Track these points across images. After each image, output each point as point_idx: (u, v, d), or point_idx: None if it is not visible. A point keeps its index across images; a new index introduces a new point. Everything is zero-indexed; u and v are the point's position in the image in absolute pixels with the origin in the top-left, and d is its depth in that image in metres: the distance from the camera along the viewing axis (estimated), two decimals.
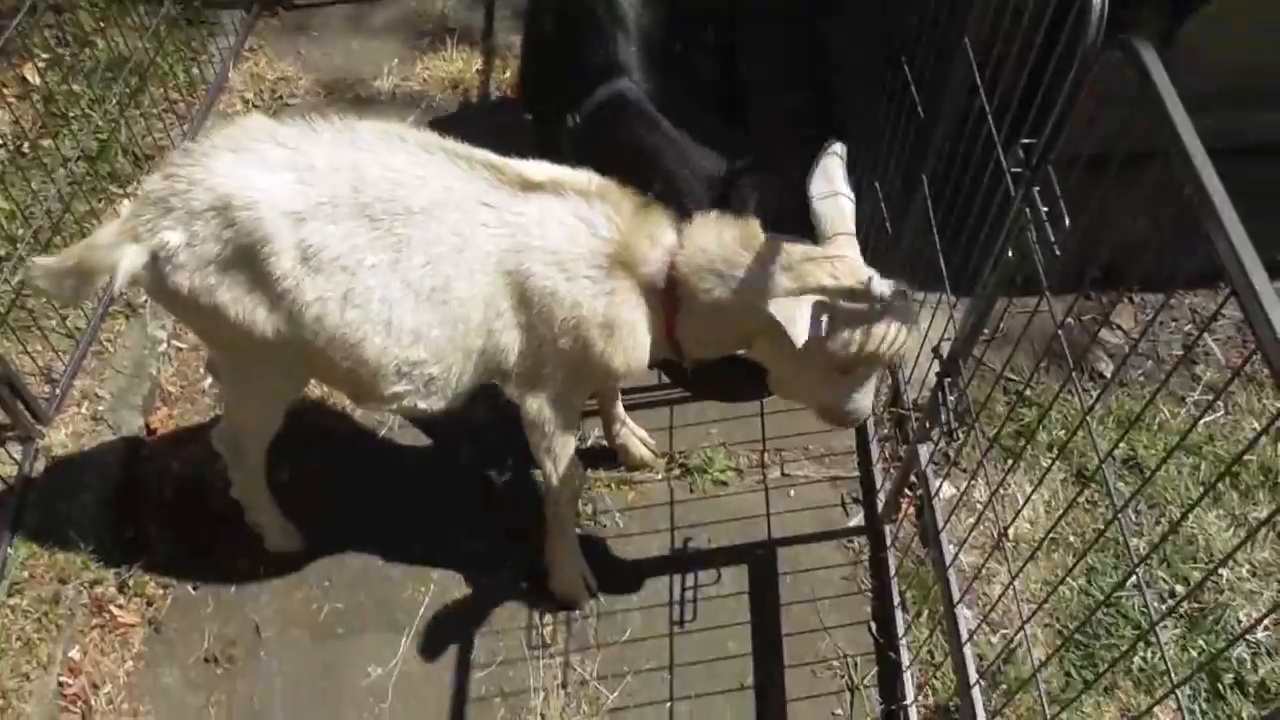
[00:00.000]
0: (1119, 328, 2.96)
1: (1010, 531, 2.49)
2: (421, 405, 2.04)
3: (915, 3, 2.27)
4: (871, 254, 2.68)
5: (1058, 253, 1.60)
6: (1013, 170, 1.73)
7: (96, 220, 3.07)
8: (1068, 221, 1.58)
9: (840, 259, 1.92)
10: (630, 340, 1.99)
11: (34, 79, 3.44)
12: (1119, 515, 1.43)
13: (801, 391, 2.10)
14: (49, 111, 3.34)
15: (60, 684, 2.30)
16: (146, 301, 2.95)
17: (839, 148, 2.03)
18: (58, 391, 2.70)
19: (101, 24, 3.58)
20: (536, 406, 2.11)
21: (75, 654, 2.35)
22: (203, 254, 1.85)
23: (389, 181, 1.86)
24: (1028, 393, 2.79)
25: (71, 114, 3.34)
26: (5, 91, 3.40)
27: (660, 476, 2.67)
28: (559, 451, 2.19)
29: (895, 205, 2.52)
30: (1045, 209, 1.63)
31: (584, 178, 1.99)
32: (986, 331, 2.11)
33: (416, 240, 1.88)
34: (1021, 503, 2.44)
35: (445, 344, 1.96)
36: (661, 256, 1.96)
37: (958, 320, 2.11)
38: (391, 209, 1.86)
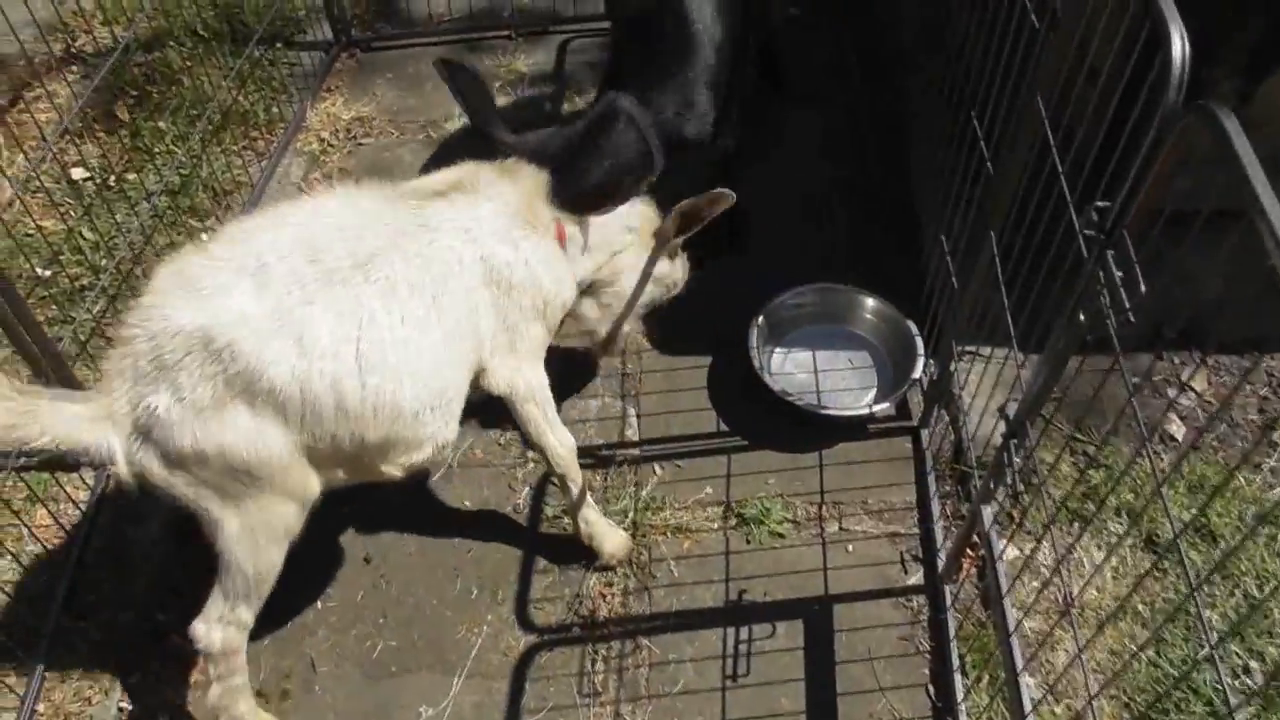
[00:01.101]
0: (1193, 390, 2.88)
1: (1076, 598, 2.43)
2: (446, 435, 2.09)
3: (985, 58, 2.26)
4: (936, 306, 2.68)
5: (1132, 319, 1.56)
6: (1086, 232, 1.69)
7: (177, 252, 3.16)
8: (1143, 287, 1.54)
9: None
10: (564, 270, 2.27)
11: (123, 115, 3.58)
12: (1195, 592, 1.39)
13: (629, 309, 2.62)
14: (135, 147, 3.47)
15: (120, 709, 2.34)
16: None
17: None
18: None
19: (188, 63, 3.71)
20: (522, 378, 2.22)
21: (135, 680, 2.39)
22: (196, 402, 1.75)
23: (338, 238, 1.87)
24: (1094, 454, 2.72)
25: (156, 149, 3.46)
26: (96, 127, 3.54)
27: (716, 526, 2.65)
28: (553, 415, 2.33)
29: (959, 258, 2.49)
30: (1120, 273, 1.59)
31: (468, 168, 2.20)
32: (1055, 392, 2.07)
33: (390, 279, 1.90)
34: (1089, 569, 2.38)
35: (455, 354, 2.03)
36: (548, 213, 2.24)
37: (1025, 379, 2.07)
38: (354, 262, 1.86)
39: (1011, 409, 2.04)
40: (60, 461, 2.67)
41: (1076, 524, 2.53)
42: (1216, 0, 2.55)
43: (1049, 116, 1.95)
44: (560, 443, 2.35)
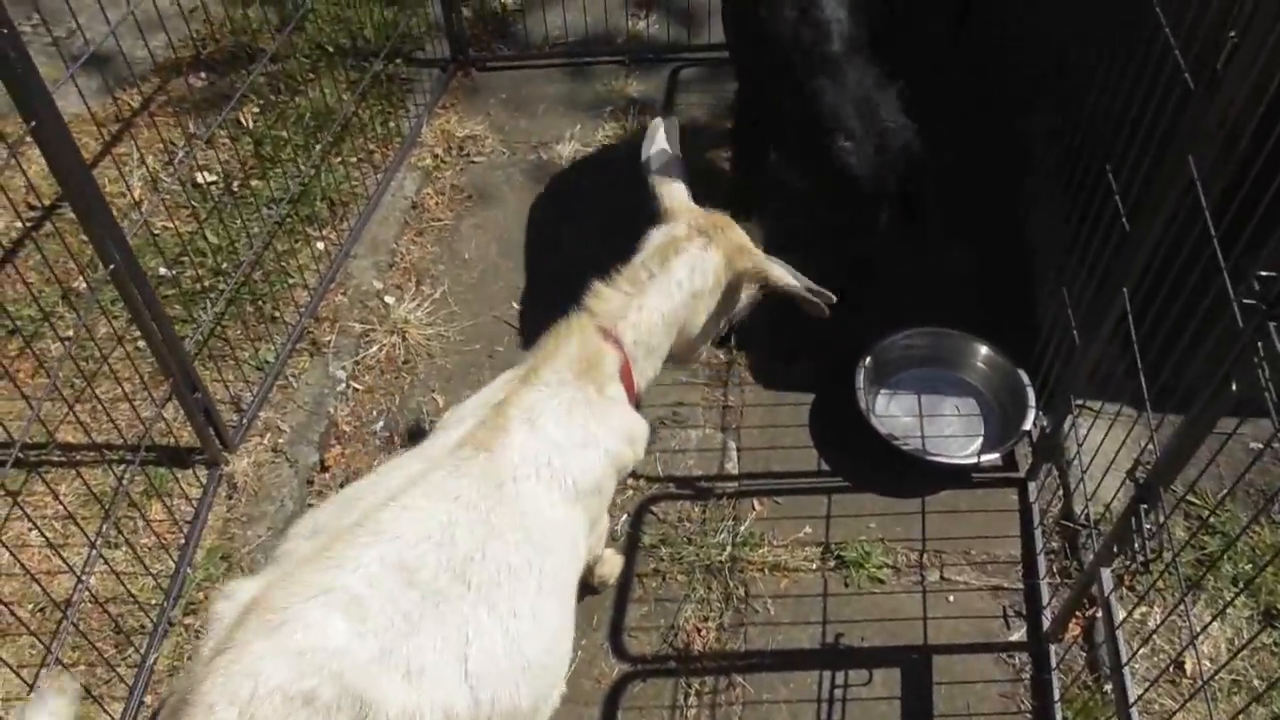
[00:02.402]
0: None
1: (1188, 668, 2.36)
2: (558, 697, 1.92)
3: (1125, 111, 2.22)
4: (1052, 359, 2.63)
5: None
6: (1245, 301, 1.65)
7: (294, 259, 3.25)
8: None
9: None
10: (637, 420, 2.02)
11: (248, 122, 3.69)
12: None
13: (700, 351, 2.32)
14: (258, 154, 3.57)
15: None
16: (330, 341, 3.10)
17: (672, 120, 2.22)
18: (244, 421, 2.85)
19: (311, 75, 3.81)
20: (596, 540, 2.16)
21: None
22: None
23: (429, 548, 1.60)
24: (1213, 520, 2.64)
25: (279, 157, 3.55)
26: (221, 133, 3.65)
27: (814, 566, 2.62)
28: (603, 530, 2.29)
29: (1082, 312, 2.45)
30: None
31: (511, 380, 1.91)
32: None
33: (493, 576, 1.64)
34: (1204, 641, 2.31)
35: (565, 610, 1.81)
36: (614, 360, 1.98)
37: (1156, 443, 2.02)
38: (452, 574, 1.60)
39: (1143, 473, 1.99)
40: (178, 458, 2.76)
41: (1195, 592, 2.45)
42: None
43: (1201, 178, 1.92)
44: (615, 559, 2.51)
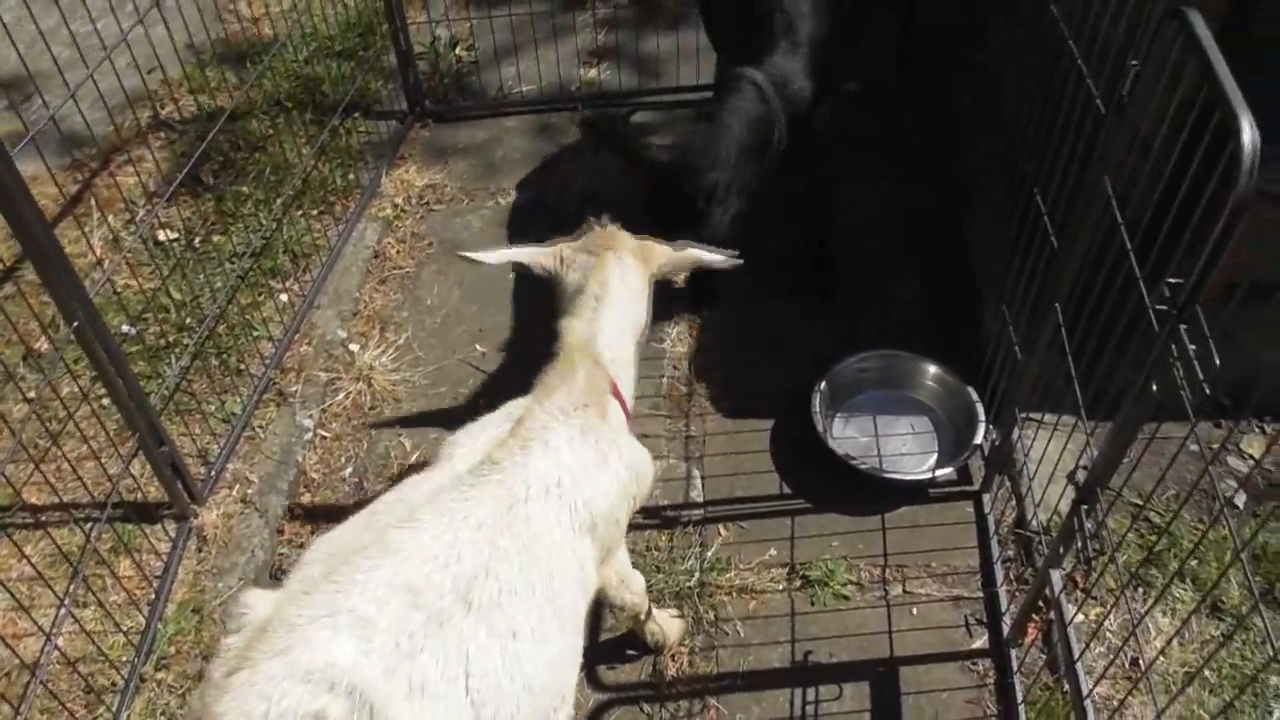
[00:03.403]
0: (1250, 457, 2.90)
1: (1142, 663, 2.44)
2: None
3: (1048, 138, 2.34)
4: (998, 375, 2.73)
5: (1208, 392, 1.62)
6: (1158, 308, 1.76)
7: (258, 311, 3.30)
8: (1218, 361, 1.60)
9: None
10: (640, 456, 2.04)
11: (207, 180, 3.75)
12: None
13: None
14: (219, 210, 3.63)
15: None
16: (297, 390, 3.14)
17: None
18: (212, 474, 2.89)
19: (271, 131, 3.89)
20: (612, 573, 2.16)
21: None
22: None
23: (435, 568, 1.62)
24: (1158, 520, 2.75)
25: (239, 213, 3.62)
26: (181, 191, 3.71)
27: (781, 587, 2.69)
28: (638, 584, 2.31)
29: (1022, 329, 2.56)
30: (1193, 347, 1.65)
31: (527, 404, 1.93)
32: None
33: (495, 597, 1.65)
34: (1155, 634, 2.40)
35: (571, 639, 1.82)
36: (606, 382, 2.02)
37: (1093, 447, 2.12)
38: (456, 594, 1.62)
39: (1081, 476, 2.09)
40: (146, 513, 2.78)
41: (1144, 590, 2.54)
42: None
43: (1116, 195, 2.03)
44: (637, 593, 2.33)
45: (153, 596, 2.64)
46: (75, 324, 2.26)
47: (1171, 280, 1.75)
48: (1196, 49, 1.70)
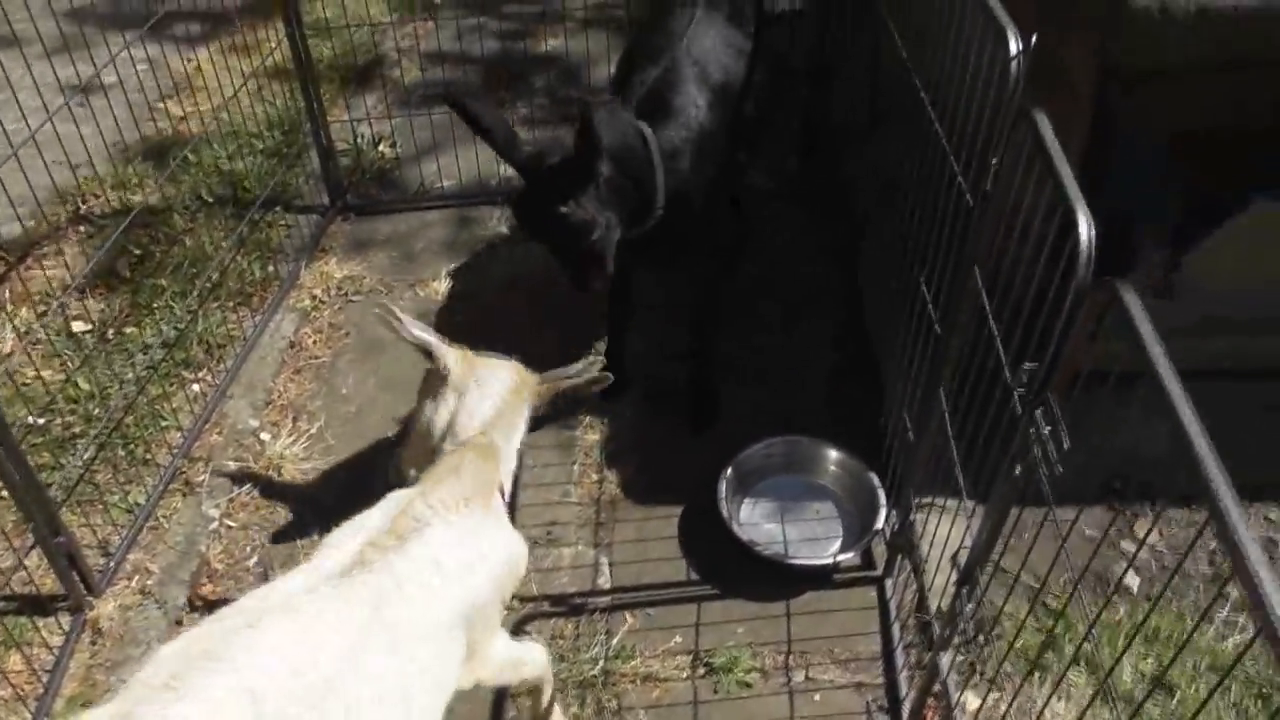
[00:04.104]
0: (1144, 543, 2.98)
1: None
2: None
3: (930, 227, 2.46)
4: (896, 459, 2.81)
5: (1059, 470, 1.69)
6: (1017, 391, 1.84)
7: (168, 402, 3.29)
8: (1066, 444, 1.67)
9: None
10: (516, 547, 2.03)
11: (125, 273, 3.76)
12: None
13: None
14: (135, 303, 3.64)
15: None
16: (204, 480, 3.12)
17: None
18: (112, 565, 2.83)
19: (190, 226, 3.93)
20: (495, 653, 2.03)
21: None
22: None
23: (287, 679, 1.53)
24: (1053, 604, 2.80)
25: (155, 305, 3.62)
26: (99, 283, 3.72)
27: (685, 675, 2.69)
28: (532, 655, 2.23)
29: (915, 412, 2.64)
30: (1048, 429, 1.73)
31: (403, 498, 1.91)
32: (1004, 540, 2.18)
33: (359, 699, 1.58)
34: (1049, 718, 2.42)
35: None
36: (495, 484, 2.04)
37: (972, 530, 2.18)
38: (306, 698, 1.53)
39: (962, 558, 2.14)
40: (40, 606, 2.72)
41: (1035, 673, 2.58)
42: (1145, 181, 2.82)
43: (986, 284, 2.14)
44: (537, 662, 2.25)
45: (41, 691, 2.56)
46: None
47: (1027, 365, 1.85)
48: (1041, 149, 1.82)
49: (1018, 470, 1.86)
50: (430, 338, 2.24)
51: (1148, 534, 2.98)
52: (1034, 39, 1.90)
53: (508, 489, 2.13)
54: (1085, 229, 1.64)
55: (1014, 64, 1.93)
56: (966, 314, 2.25)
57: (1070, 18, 2.55)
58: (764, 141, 3.55)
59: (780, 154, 4.17)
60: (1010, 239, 2.07)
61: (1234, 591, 2.82)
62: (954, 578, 2.17)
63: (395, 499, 1.91)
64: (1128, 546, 2.99)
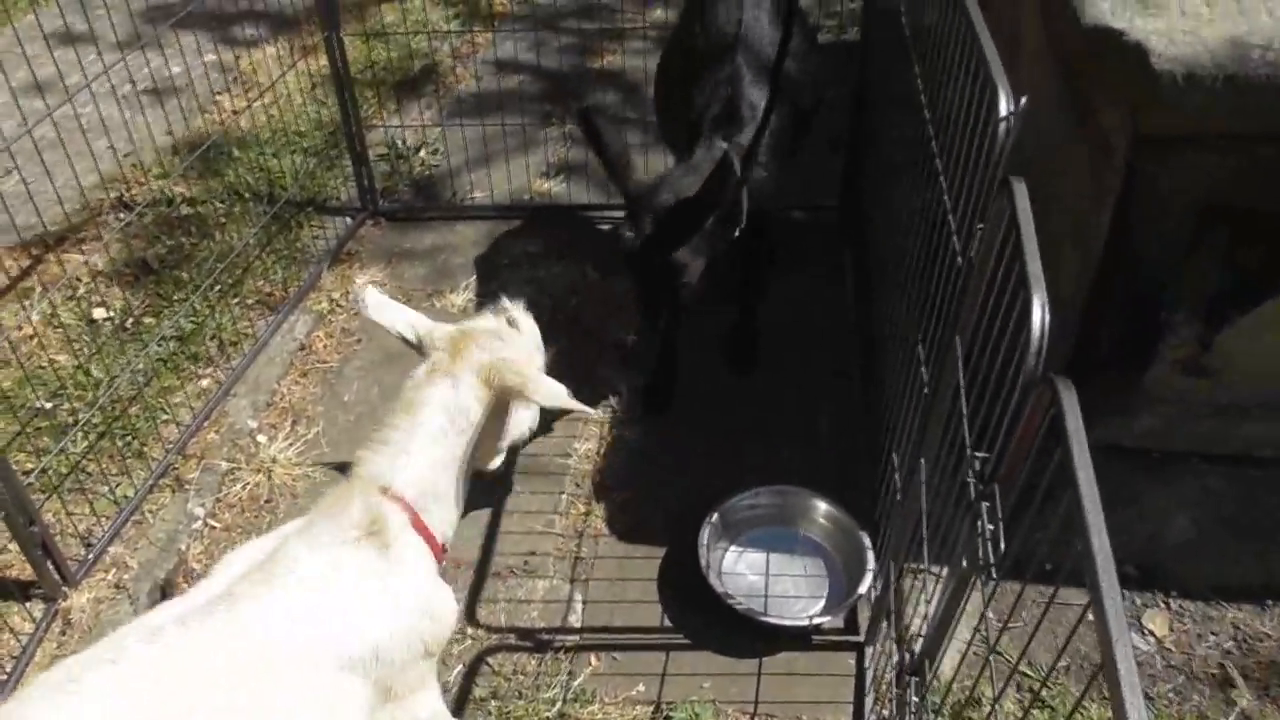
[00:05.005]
0: (1151, 634, 2.78)
1: None
2: None
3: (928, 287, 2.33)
4: (886, 525, 2.67)
5: (994, 576, 1.55)
6: (967, 480, 1.71)
7: (173, 395, 3.32)
8: (1003, 547, 1.54)
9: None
10: (433, 596, 1.89)
11: (153, 262, 3.83)
12: None
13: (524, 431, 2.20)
14: (158, 294, 3.70)
15: None
16: (194, 478, 3.14)
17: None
18: (90, 556, 2.86)
19: (223, 220, 3.98)
20: (421, 710, 1.89)
21: None
22: None
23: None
24: (1045, 694, 2.63)
25: (175, 297, 3.67)
26: (126, 271, 3.79)
27: None
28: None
29: (903, 476, 2.50)
30: (990, 527, 1.60)
31: (298, 525, 1.84)
32: (993, 616, 2.04)
33: None
34: None
35: None
36: (400, 518, 1.86)
37: (934, 610, 2.04)
38: None
39: (919, 644, 2.01)
40: (10, 592, 2.76)
41: None
42: (1176, 253, 2.63)
43: (966, 353, 2.00)
44: None
45: (3, 678, 2.60)
46: None
47: (979, 454, 1.71)
48: (1013, 220, 1.69)
49: (964, 564, 1.73)
50: (404, 320, 2.09)
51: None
52: (1024, 101, 1.77)
53: (445, 533, 1.99)
54: (1039, 316, 1.51)
55: (1002, 125, 1.80)
56: (948, 382, 2.12)
57: (1102, 79, 2.40)
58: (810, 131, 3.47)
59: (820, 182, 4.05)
60: (992, 310, 1.94)
61: (1243, 700, 2.61)
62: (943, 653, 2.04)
63: (283, 532, 1.83)
64: (1136, 641, 2.79)
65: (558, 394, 2.06)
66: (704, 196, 2.63)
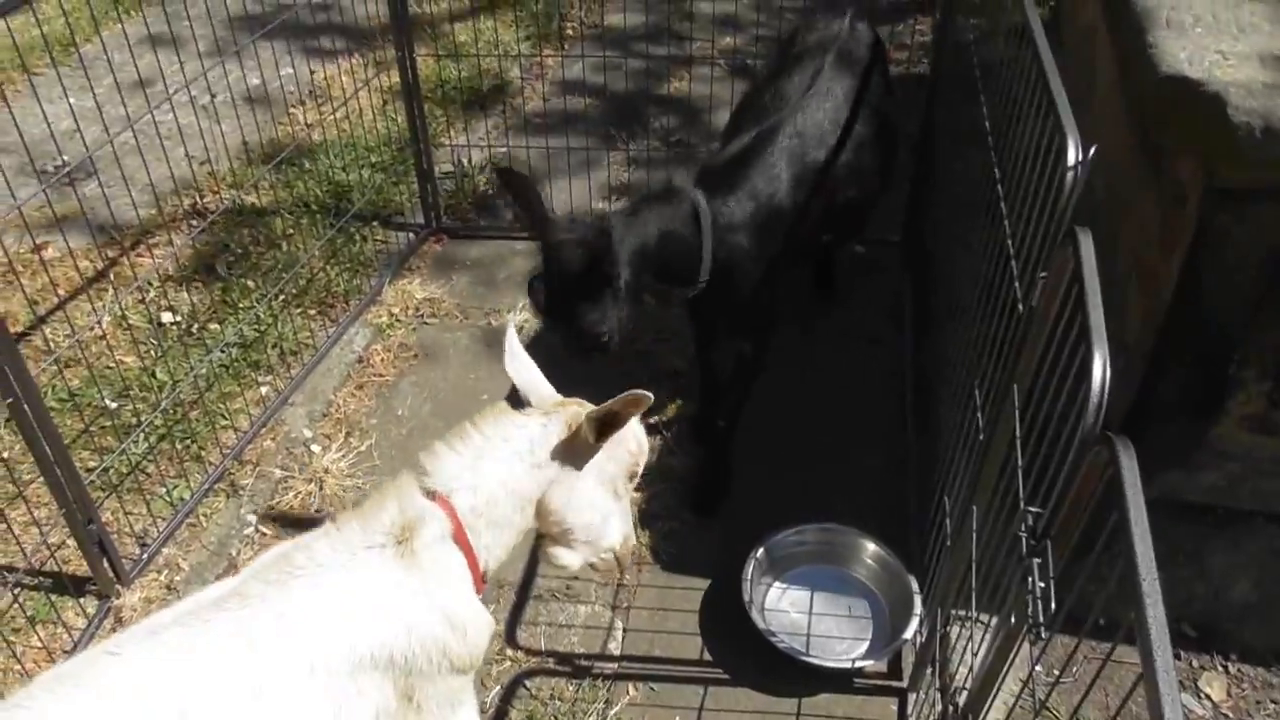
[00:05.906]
0: (1208, 698, 2.69)
1: None
2: None
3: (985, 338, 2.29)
4: (936, 570, 2.62)
5: (1043, 635, 1.51)
6: (1019, 534, 1.67)
7: (233, 401, 3.39)
8: (1054, 605, 1.50)
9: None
10: (463, 610, 1.81)
11: (221, 270, 3.92)
12: None
13: (604, 527, 2.03)
14: (224, 300, 3.78)
15: None
16: (248, 484, 3.19)
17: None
18: (144, 556, 2.93)
19: (290, 231, 4.06)
20: None
21: None
22: None
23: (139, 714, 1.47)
24: None
25: (241, 304, 3.76)
26: (195, 278, 3.89)
27: None
28: None
29: (955, 523, 2.46)
30: (1041, 585, 1.56)
31: (328, 525, 1.79)
32: (1041, 671, 1.99)
33: None
34: None
35: None
36: (440, 524, 1.80)
37: (979, 663, 2.00)
38: None
39: (962, 698, 1.97)
40: (67, 588, 2.83)
41: None
42: (1250, 302, 2.55)
43: (1023, 405, 1.96)
44: None
45: None
46: (10, 400, 2.36)
47: (1033, 509, 1.67)
48: (1077, 273, 1.65)
49: (1012, 620, 1.69)
50: (527, 377, 2.06)
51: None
52: (1093, 151, 1.74)
53: (493, 558, 1.92)
54: (1099, 372, 1.47)
55: (1070, 174, 1.77)
56: (1004, 429, 2.08)
57: (1178, 129, 2.34)
58: (865, 222, 3.41)
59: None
60: (1053, 359, 1.90)
61: None
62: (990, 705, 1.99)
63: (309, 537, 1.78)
64: (1192, 704, 2.70)
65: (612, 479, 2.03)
66: (578, 257, 2.52)
